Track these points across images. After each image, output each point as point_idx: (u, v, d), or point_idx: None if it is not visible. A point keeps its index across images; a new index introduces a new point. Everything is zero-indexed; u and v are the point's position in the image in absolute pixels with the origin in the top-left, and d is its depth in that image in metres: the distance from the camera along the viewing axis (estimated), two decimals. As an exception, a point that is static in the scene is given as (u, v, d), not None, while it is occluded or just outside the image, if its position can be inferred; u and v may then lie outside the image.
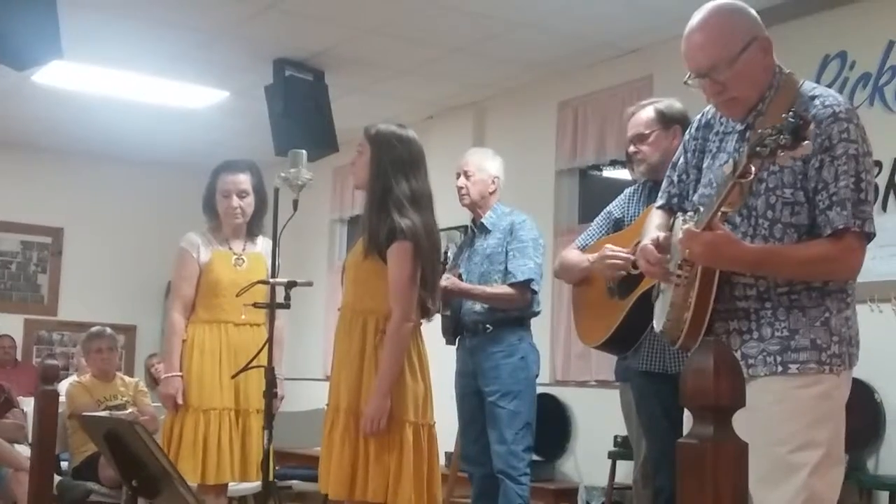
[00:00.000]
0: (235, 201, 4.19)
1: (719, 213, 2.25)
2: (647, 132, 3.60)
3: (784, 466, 2.23)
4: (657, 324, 2.54)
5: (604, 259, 3.38)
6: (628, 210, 3.72)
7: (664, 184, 2.67)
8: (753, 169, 2.14)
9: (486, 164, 4.60)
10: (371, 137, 3.56)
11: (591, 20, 5.72)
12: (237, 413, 4.07)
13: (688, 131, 2.64)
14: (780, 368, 2.28)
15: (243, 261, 4.20)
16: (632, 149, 3.66)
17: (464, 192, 4.57)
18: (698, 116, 2.60)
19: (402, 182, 3.47)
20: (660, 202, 2.67)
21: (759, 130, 2.10)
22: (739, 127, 2.43)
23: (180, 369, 4.08)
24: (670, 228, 2.53)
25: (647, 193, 3.65)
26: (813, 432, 2.26)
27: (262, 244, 4.24)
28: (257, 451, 3.96)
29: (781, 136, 2.05)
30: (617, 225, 3.72)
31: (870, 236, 2.30)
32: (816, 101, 2.32)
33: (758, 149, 2.08)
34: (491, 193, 4.57)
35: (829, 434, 2.28)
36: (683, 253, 2.30)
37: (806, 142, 2.06)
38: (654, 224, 2.61)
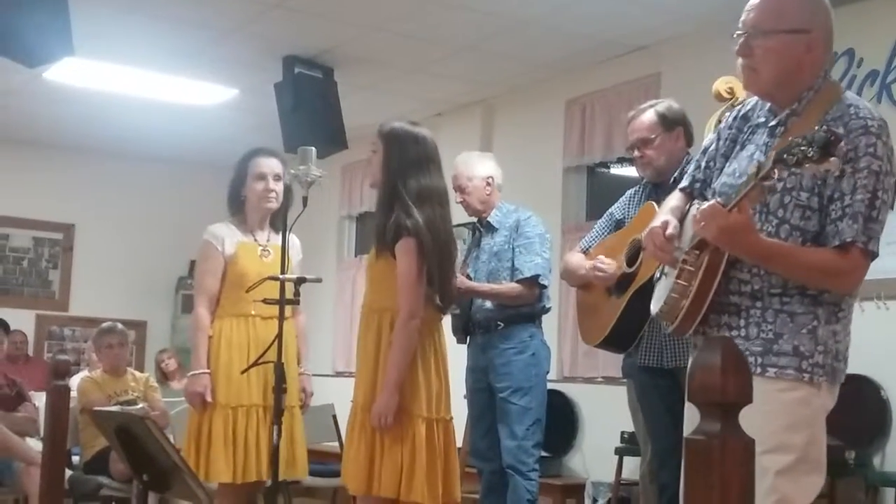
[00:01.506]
0: (272, 183, 4.06)
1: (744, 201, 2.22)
2: (651, 136, 3.61)
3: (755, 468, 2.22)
4: (654, 306, 2.53)
5: (593, 270, 3.51)
6: (629, 211, 3.74)
7: (691, 167, 2.63)
8: (776, 174, 2.11)
9: (476, 170, 4.56)
10: (382, 136, 3.56)
11: (599, 18, 5.72)
12: (265, 409, 3.89)
13: (725, 120, 2.60)
14: (759, 370, 2.25)
15: (269, 252, 4.06)
16: (636, 153, 3.66)
17: (464, 205, 4.56)
18: (738, 107, 2.58)
19: (409, 180, 3.46)
20: (683, 184, 2.62)
21: (791, 138, 2.03)
22: (772, 122, 2.40)
23: (207, 366, 3.94)
24: (686, 213, 2.50)
25: (647, 195, 3.68)
26: (786, 436, 2.22)
27: None
28: (285, 448, 3.80)
29: (810, 149, 2.00)
30: (618, 226, 3.75)
31: (873, 255, 2.27)
32: (851, 110, 2.30)
33: (785, 156, 2.04)
34: (489, 195, 4.56)
35: (803, 440, 2.24)
36: (698, 226, 2.25)
37: (833, 158, 2.01)
38: (669, 205, 2.56)
